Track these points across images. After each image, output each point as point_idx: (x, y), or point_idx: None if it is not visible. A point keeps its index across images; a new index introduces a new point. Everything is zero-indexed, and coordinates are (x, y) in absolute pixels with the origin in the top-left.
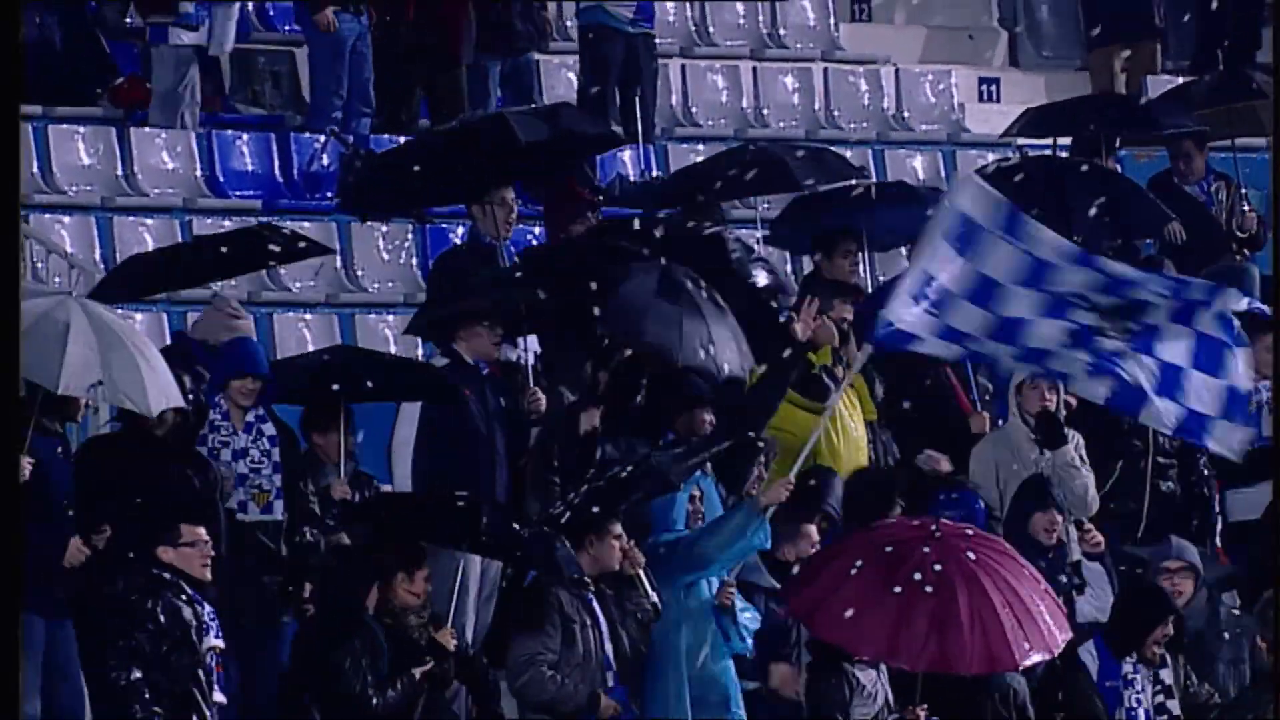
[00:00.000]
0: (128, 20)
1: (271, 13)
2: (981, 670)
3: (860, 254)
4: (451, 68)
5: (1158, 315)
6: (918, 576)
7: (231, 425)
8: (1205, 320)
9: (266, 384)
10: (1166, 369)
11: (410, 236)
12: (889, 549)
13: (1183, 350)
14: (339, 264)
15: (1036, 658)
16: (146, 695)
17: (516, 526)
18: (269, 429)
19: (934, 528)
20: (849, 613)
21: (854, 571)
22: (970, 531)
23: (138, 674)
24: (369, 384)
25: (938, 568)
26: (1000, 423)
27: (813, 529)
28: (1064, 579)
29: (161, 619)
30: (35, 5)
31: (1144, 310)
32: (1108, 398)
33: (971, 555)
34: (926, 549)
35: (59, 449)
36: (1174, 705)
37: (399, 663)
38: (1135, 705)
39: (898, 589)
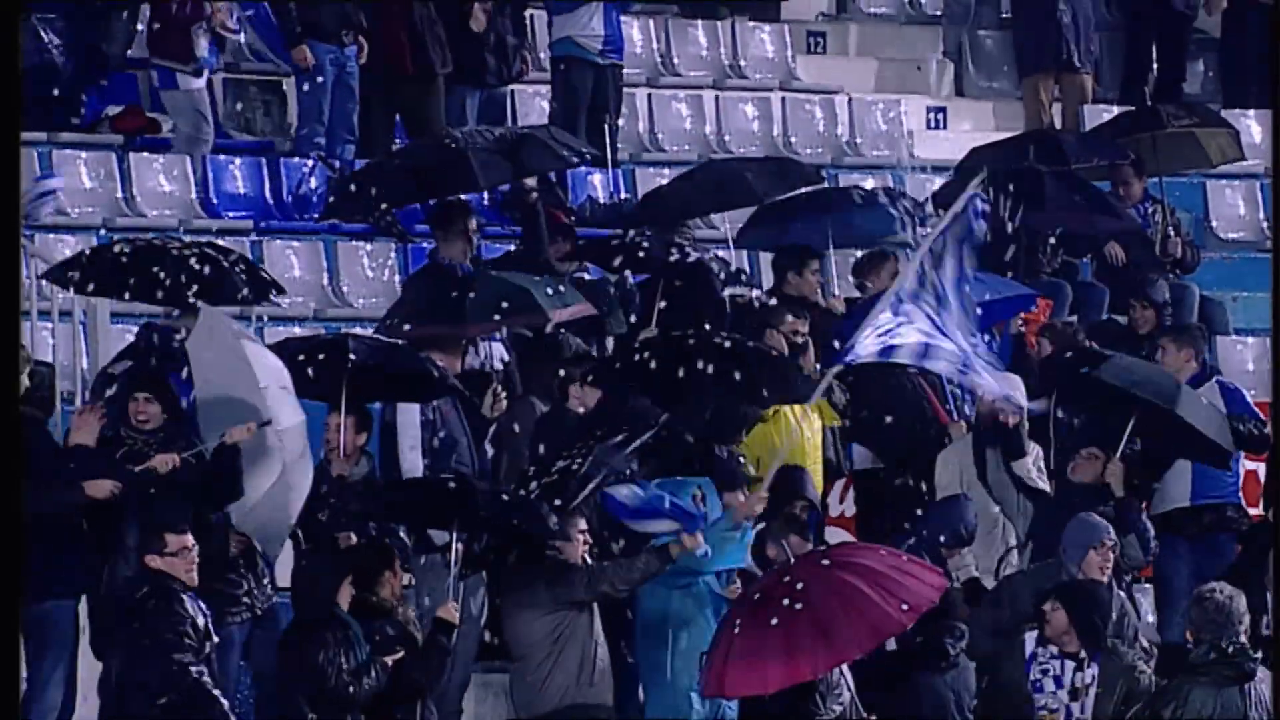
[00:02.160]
0: (128, 53)
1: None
2: (872, 644)
3: (821, 268)
4: (414, 87)
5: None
6: (786, 602)
7: None
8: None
9: None
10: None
11: (393, 255)
12: (756, 596)
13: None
14: (326, 281)
15: (923, 608)
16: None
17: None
18: None
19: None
20: (745, 664)
21: (736, 631)
22: (823, 549)
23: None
24: (353, 356)
25: (800, 586)
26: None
27: (796, 539)
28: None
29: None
30: (36, 33)
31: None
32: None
33: (826, 561)
34: (787, 578)
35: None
36: (1076, 708)
37: (376, 656)
38: (1041, 676)
39: (774, 621)
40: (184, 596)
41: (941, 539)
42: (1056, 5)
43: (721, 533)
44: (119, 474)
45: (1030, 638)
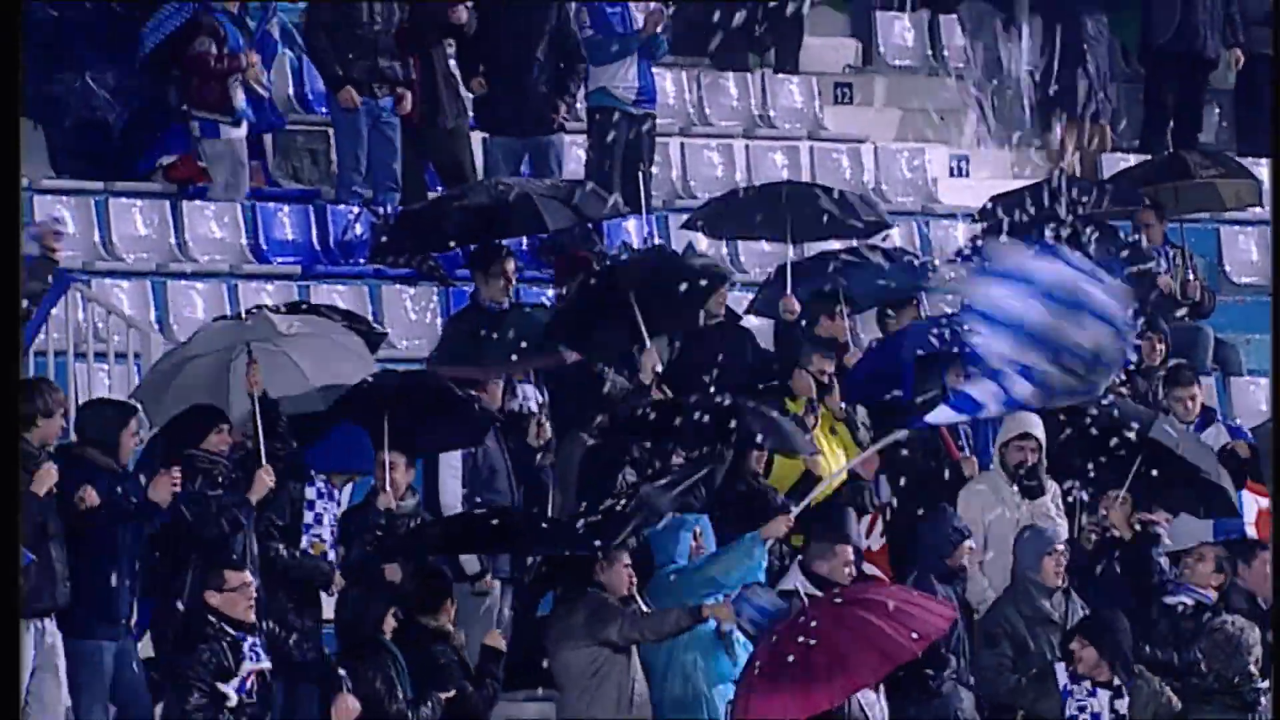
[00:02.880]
0: (183, 107)
1: (310, 97)
2: (885, 670)
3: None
4: (440, 136)
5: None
6: (801, 640)
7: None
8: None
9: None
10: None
11: (435, 298)
12: (774, 638)
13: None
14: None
15: (932, 637)
16: None
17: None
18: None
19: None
20: (766, 701)
21: (757, 671)
22: (837, 590)
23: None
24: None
25: (814, 624)
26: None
27: (848, 550)
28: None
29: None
30: (90, 86)
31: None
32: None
33: (839, 599)
34: (801, 618)
35: (118, 487)
36: None
37: (425, 686)
38: (1078, 713)
39: (791, 658)
40: (226, 639)
41: (940, 553)
42: (1084, 56)
43: (746, 549)
44: (218, 508)
45: (1059, 669)
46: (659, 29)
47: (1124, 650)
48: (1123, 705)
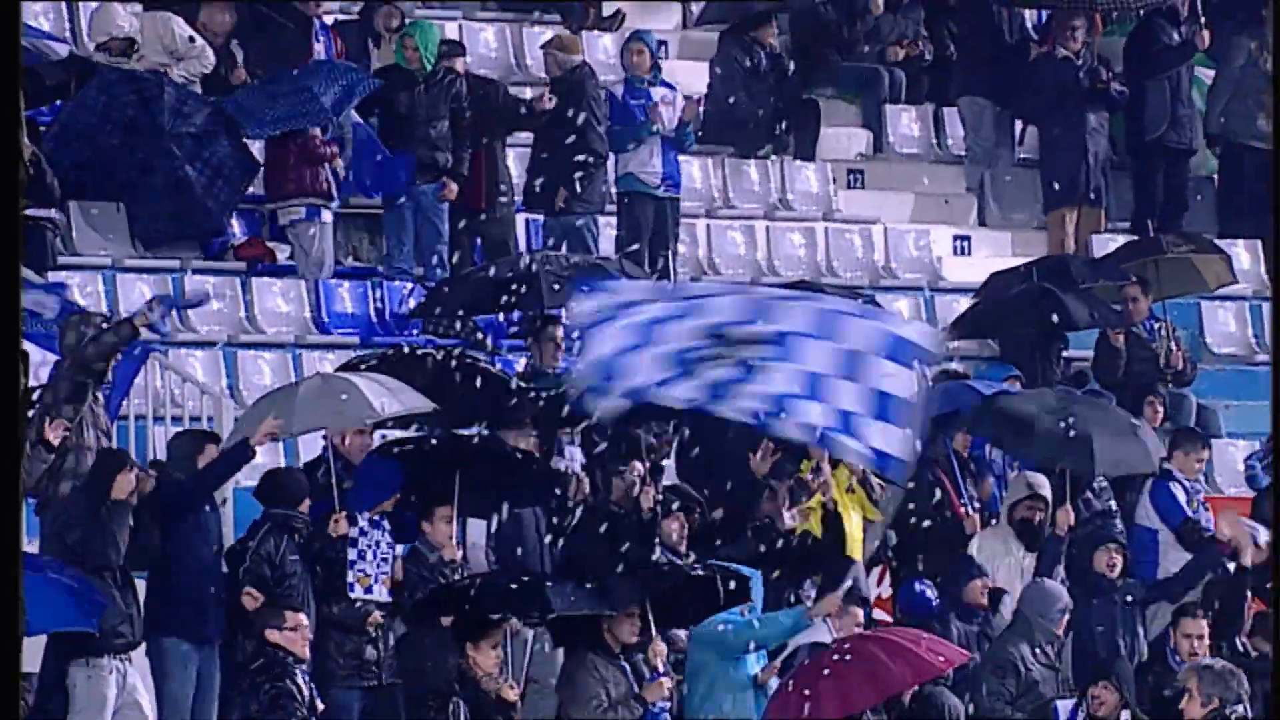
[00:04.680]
0: (249, 191)
1: (368, 182)
2: (915, 681)
3: None
4: (479, 219)
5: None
6: (836, 657)
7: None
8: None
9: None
10: (809, 376)
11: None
12: (806, 662)
13: (828, 361)
14: None
15: (956, 662)
16: None
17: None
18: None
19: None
20: (803, 706)
21: (790, 689)
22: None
23: None
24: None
25: (846, 646)
26: (994, 522)
27: (859, 611)
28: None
29: (294, 693)
30: (174, 172)
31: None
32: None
33: (868, 633)
34: (833, 644)
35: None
36: None
37: None
38: None
39: (826, 670)
40: (295, 671)
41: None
42: (1087, 145)
43: (793, 621)
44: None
45: (1062, 707)
46: (691, 120)
47: (1133, 691)
48: None
